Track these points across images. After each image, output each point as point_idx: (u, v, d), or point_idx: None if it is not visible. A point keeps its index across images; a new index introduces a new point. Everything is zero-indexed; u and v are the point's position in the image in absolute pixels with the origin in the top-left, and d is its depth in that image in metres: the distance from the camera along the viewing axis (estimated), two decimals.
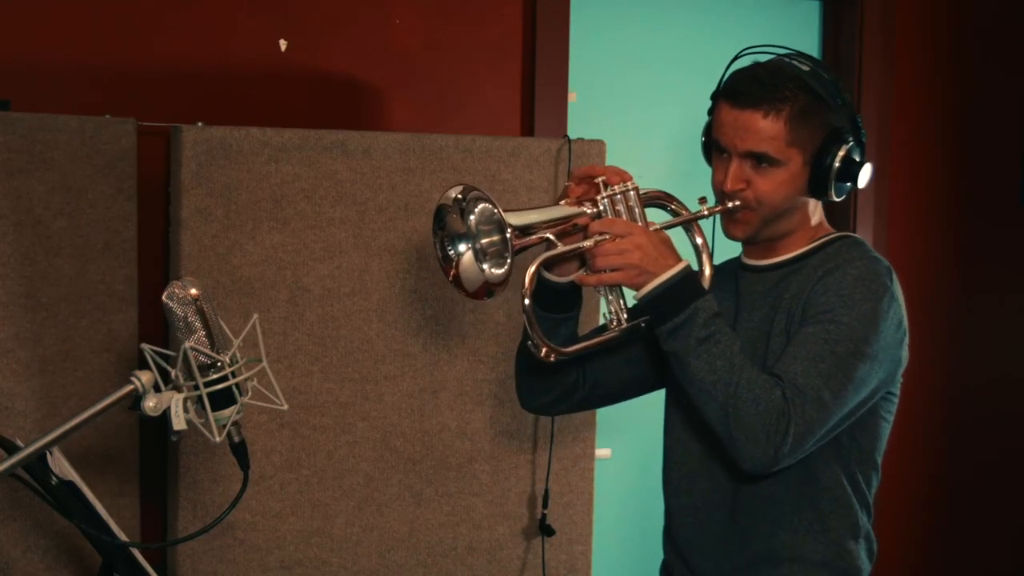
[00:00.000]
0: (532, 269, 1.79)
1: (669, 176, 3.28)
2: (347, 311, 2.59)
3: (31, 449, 1.58)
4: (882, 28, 3.40)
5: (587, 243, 1.81)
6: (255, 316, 1.71)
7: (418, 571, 2.68)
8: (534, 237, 1.79)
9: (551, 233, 1.81)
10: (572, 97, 3.13)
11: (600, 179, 1.86)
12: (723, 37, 3.39)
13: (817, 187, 1.89)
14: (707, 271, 1.95)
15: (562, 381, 2.06)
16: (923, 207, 3.50)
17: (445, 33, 2.96)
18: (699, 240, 1.97)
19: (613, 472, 3.27)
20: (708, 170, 3.49)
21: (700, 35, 3.37)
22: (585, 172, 1.89)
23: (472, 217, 1.78)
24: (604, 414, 2.76)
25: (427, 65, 2.94)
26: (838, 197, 1.91)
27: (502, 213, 1.73)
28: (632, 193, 1.86)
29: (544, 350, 1.86)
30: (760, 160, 1.87)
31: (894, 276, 1.88)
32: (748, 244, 1.99)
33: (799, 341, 1.81)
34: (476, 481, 2.72)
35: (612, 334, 1.90)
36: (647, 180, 3.38)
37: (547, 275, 1.92)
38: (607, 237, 1.81)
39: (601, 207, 1.85)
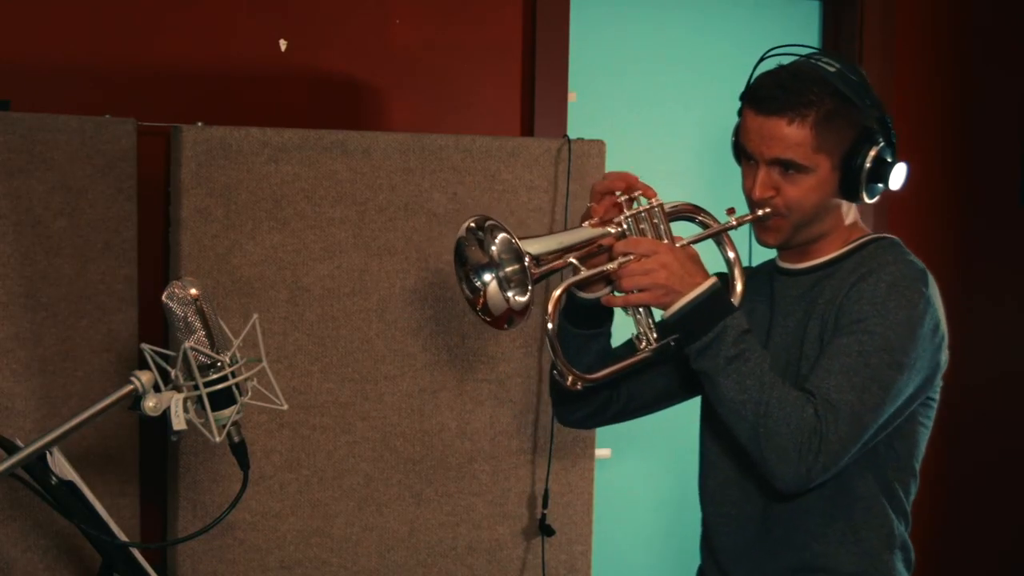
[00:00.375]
0: (556, 294, 1.76)
1: (669, 176, 3.29)
2: (347, 311, 2.59)
3: (31, 449, 1.58)
4: (882, 28, 3.40)
5: (611, 265, 1.79)
6: (255, 316, 1.71)
7: (418, 571, 2.68)
8: (557, 263, 1.77)
9: (574, 257, 1.79)
10: (572, 97, 3.13)
11: (623, 198, 1.83)
12: (723, 37, 3.39)
13: (848, 190, 1.85)
14: (739, 287, 1.92)
15: (595, 397, 2.03)
16: (923, 207, 3.50)
17: (445, 33, 2.96)
18: (731, 254, 1.93)
19: (613, 472, 3.27)
20: (709, 170, 3.51)
21: (700, 35, 3.37)
22: (604, 186, 1.86)
23: (493, 247, 1.76)
24: None
25: (427, 65, 2.94)
26: (870, 199, 1.86)
27: (518, 241, 1.72)
28: (657, 209, 1.83)
29: (570, 378, 1.84)
30: (787, 167, 1.82)
31: (930, 279, 1.84)
32: (782, 249, 1.96)
33: (832, 353, 1.78)
34: (476, 481, 2.72)
35: (641, 355, 1.87)
36: (648, 180, 3.38)
37: (578, 293, 1.90)
38: (631, 258, 1.78)
39: (625, 226, 1.82)
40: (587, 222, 1.85)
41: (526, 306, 1.74)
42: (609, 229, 1.83)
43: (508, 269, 1.77)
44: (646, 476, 3.41)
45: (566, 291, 1.81)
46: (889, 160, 1.85)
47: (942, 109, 3.51)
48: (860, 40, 3.38)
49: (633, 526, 3.39)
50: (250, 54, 2.79)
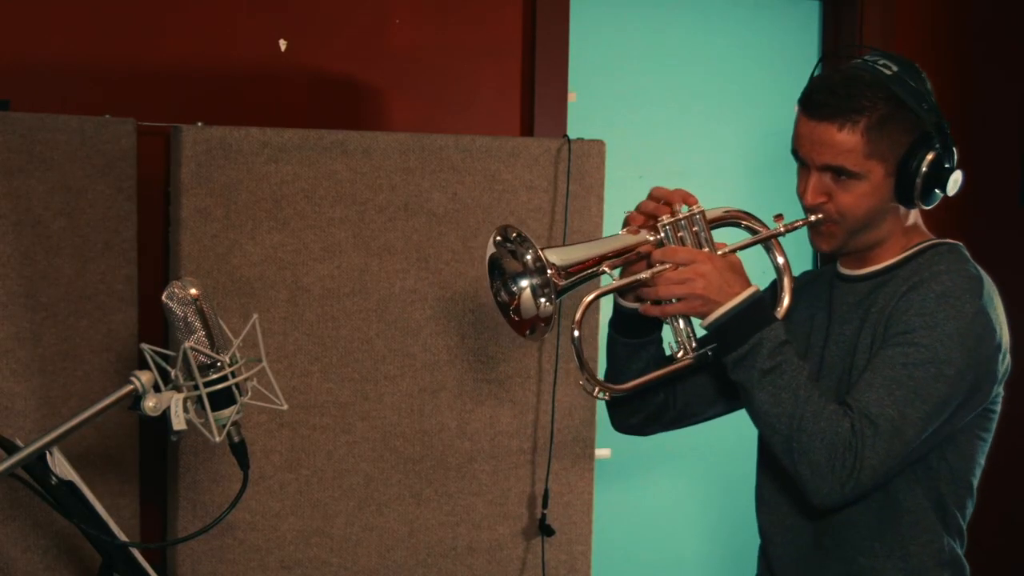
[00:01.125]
0: (586, 301, 1.75)
1: (669, 176, 3.28)
2: (347, 311, 2.59)
3: (31, 449, 1.58)
4: (882, 28, 3.40)
5: (644, 274, 1.78)
6: (255, 316, 1.71)
7: (418, 571, 2.68)
8: (588, 271, 1.75)
9: (610, 265, 1.77)
10: (572, 97, 3.13)
11: (662, 201, 1.81)
12: (723, 37, 3.39)
13: (904, 195, 1.81)
14: (786, 300, 1.89)
15: (650, 403, 2.01)
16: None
17: (445, 33, 2.96)
18: (780, 261, 1.90)
19: (613, 472, 3.27)
20: (709, 170, 3.50)
21: (700, 35, 3.37)
22: (651, 210, 1.83)
23: (527, 256, 1.74)
24: (604, 415, 2.76)
25: (427, 65, 2.94)
26: (927, 205, 1.83)
27: (542, 252, 1.71)
28: (698, 217, 1.81)
29: (596, 389, 1.83)
30: (839, 173, 1.79)
31: (984, 288, 1.80)
32: (839, 255, 1.92)
33: (876, 365, 1.74)
34: (476, 481, 2.72)
35: (676, 365, 1.85)
36: (648, 179, 3.39)
37: (622, 302, 1.89)
38: (668, 267, 1.77)
39: (663, 234, 1.81)
40: (625, 229, 1.83)
41: (551, 315, 1.73)
42: (647, 237, 1.81)
43: (539, 278, 1.75)
44: (646, 476, 3.41)
45: (597, 299, 1.78)
46: (947, 166, 1.81)
47: (942, 109, 3.50)
48: (860, 40, 3.37)
49: (633, 526, 3.39)
50: (250, 54, 2.79)
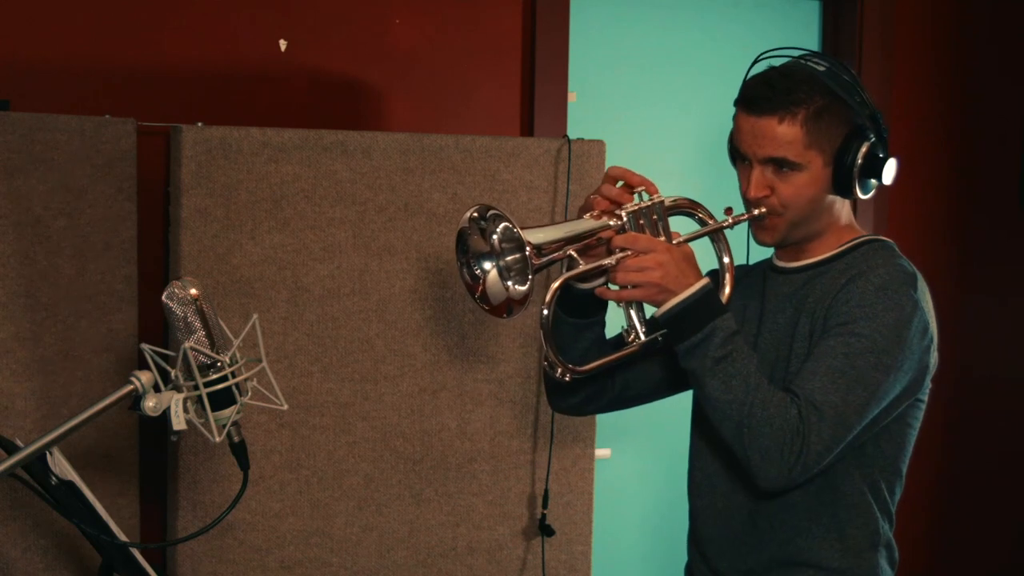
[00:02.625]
0: (554, 286, 1.79)
1: (668, 176, 3.29)
2: (347, 311, 2.59)
3: (31, 449, 1.58)
4: (882, 28, 3.40)
5: (608, 260, 1.81)
6: (255, 316, 1.71)
7: (418, 571, 2.68)
8: (557, 254, 1.79)
9: (574, 249, 1.81)
10: (572, 97, 3.13)
11: (630, 190, 1.86)
12: (723, 37, 3.39)
13: (841, 186, 1.87)
14: (727, 289, 1.95)
15: (590, 385, 2.05)
16: (923, 208, 3.50)
17: (445, 33, 2.96)
18: (724, 256, 1.97)
19: (613, 472, 3.28)
20: (708, 170, 3.50)
21: (700, 35, 3.37)
22: (614, 196, 1.87)
23: (495, 236, 1.78)
24: (604, 414, 2.76)
25: (427, 65, 2.94)
26: (864, 195, 1.89)
27: (520, 231, 1.73)
28: (658, 206, 1.86)
29: (559, 369, 1.87)
30: (780, 165, 1.86)
31: (919, 282, 1.86)
32: (779, 248, 1.99)
33: (819, 354, 1.80)
34: (476, 481, 2.72)
35: (630, 349, 1.90)
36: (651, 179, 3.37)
37: (573, 282, 1.92)
38: (629, 253, 1.81)
39: (625, 219, 1.85)
40: (588, 214, 1.87)
41: (526, 295, 1.76)
42: (609, 222, 1.85)
43: (509, 258, 1.79)
44: (646, 476, 3.41)
45: (565, 282, 1.83)
46: (881, 155, 1.88)
47: (942, 109, 3.51)
48: (860, 40, 3.38)
49: (633, 526, 3.39)
50: (250, 54, 2.79)
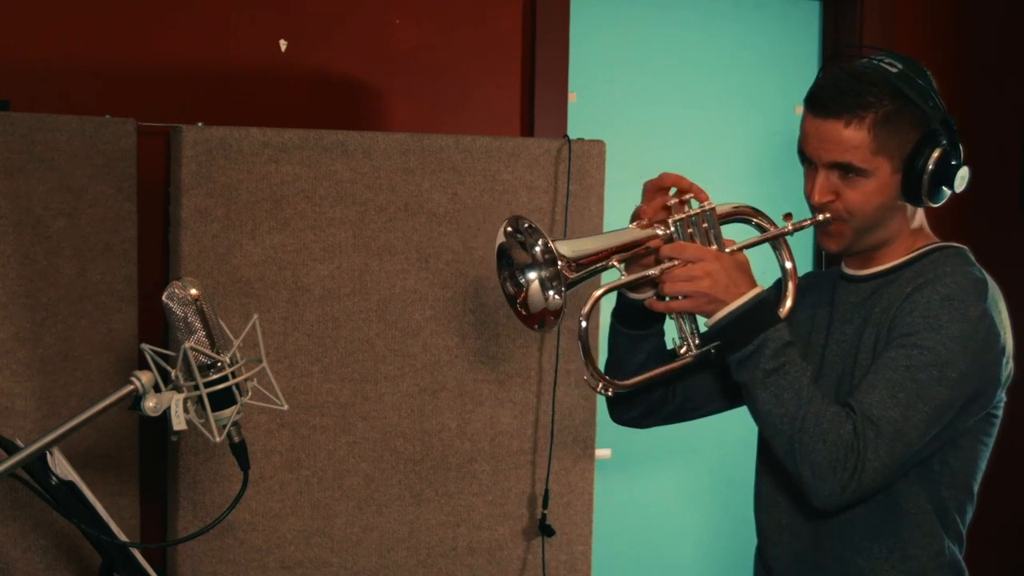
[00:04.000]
0: (595, 295, 1.75)
1: None
2: (347, 311, 2.59)
3: (31, 449, 1.58)
4: (882, 28, 3.40)
5: (653, 270, 1.77)
6: (255, 316, 1.70)
7: (418, 571, 2.68)
8: (598, 265, 1.75)
9: (618, 259, 1.77)
10: (572, 97, 3.13)
11: (673, 201, 1.81)
12: (723, 37, 3.39)
13: (911, 193, 1.80)
14: (788, 301, 1.89)
15: (649, 397, 2.01)
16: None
17: (445, 33, 2.96)
18: (787, 263, 1.90)
19: (613, 472, 3.27)
20: (709, 170, 3.49)
21: (700, 35, 3.37)
22: (657, 184, 1.84)
23: (536, 248, 1.74)
24: (604, 414, 2.76)
25: (427, 65, 2.94)
26: (935, 203, 1.82)
27: (553, 243, 1.70)
28: (708, 213, 1.81)
29: (600, 384, 1.83)
30: (846, 171, 1.78)
31: (989, 291, 1.79)
32: (846, 255, 1.92)
33: (879, 367, 1.74)
34: (476, 481, 2.72)
35: (681, 361, 1.85)
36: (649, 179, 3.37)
37: (628, 294, 1.89)
38: (676, 263, 1.76)
39: (673, 229, 1.81)
40: (635, 223, 1.83)
41: (560, 308, 1.73)
42: (657, 231, 1.81)
43: (549, 270, 1.75)
44: (646, 476, 3.41)
45: (606, 294, 1.78)
46: (954, 163, 1.80)
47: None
48: (860, 40, 3.37)
49: (633, 526, 3.39)
50: (250, 54, 2.79)
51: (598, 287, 1.78)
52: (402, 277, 2.62)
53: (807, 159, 1.84)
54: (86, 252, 2.46)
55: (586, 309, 1.74)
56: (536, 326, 1.78)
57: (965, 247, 1.89)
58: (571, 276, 1.71)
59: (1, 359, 2.33)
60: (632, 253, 1.80)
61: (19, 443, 1.63)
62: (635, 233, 1.81)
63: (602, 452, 3.08)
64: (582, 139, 2.75)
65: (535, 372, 2.75)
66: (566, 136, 2.77)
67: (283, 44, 2.81)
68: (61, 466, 1.63)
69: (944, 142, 1.79)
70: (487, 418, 2.72)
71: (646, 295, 1.87)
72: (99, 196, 2.48)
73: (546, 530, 2.76)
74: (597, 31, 3.23)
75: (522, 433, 2.76)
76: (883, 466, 1.69)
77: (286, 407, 1.69)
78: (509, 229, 1.76)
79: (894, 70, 1.78)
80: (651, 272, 1.78)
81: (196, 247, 2.47)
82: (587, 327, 1.76)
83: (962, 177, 1.82)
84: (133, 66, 2.69)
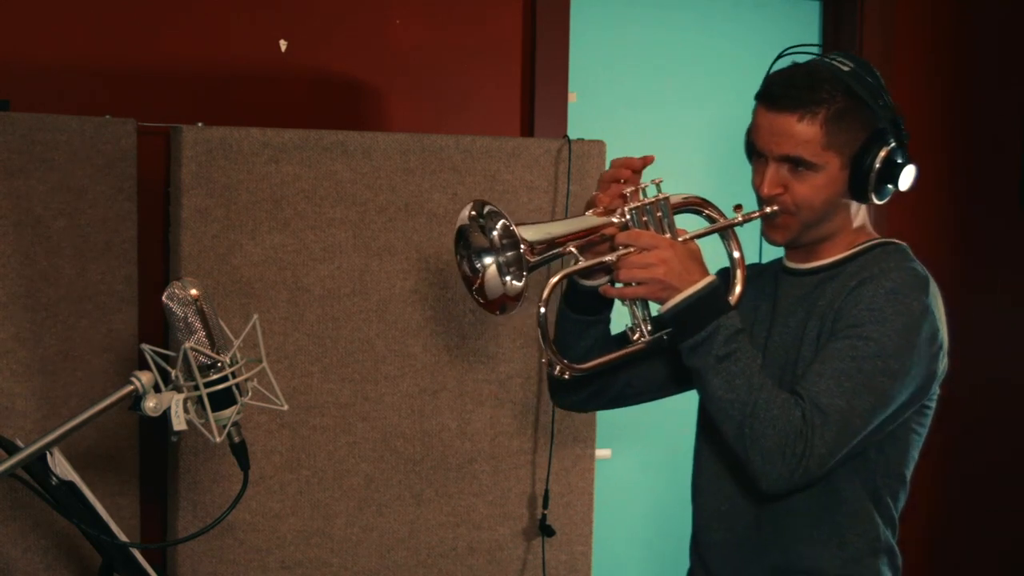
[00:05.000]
0: (552, 282, 1.77)
1: (669, 176, 3.28)
2: (347, 311, 2.59)
3: (31, 449, 1.58)
4: (882, 28, 3.40)
5: (610, 256, 1.80)
6: (255, 316, 1.71)
7: (418, 571, 2.68)
8: (556, 250, 1.77)
9: (575, 246, 1.79)
10: (572, 97, 3.13)
11: (629, 189, 1.84)
12: (723, 37, 3.39)
13: (857, 190, 1.85)
14: (738, 288, 1.92)
15: (593, 381, 2.04)
16: (923, 207, 3.50)
17: (445, 33, 2.96)
18: (736, 253, 1.94)
19: (613, 472, 3.27)
20: (710, 170, 3.50)
21: (700, 35, 3.37)
22: (612, 175, 1.87)
23: (495, 232, 1.77)
24: (604, 414, 2.76)
25: (427, 65, 2.94)
26: (879, 200, 1.87)
27: (516, 228, 1.72)
28: (663, 202, 1.84)
29: (558, 367, 1.85)
30: (796, 164, 1.83)
31: (931, 287, 1.84)
32: (790, 248, 1.96)
33: (826, 356, 1.78)
34: (476, 482, 2.72)
35: (634, 347, 1.89)
36: (648, 180, 3.38)
37: (578, 279, 1.91)
38: (632, 250, 1.79)
39: (628, 217, 1.83)
40: (591, 211, 1.86)
41: (520, 292, 1.75)
42: (612, 219, 1.84)
43: (508, 254, 1.78)
44: (646, 476, 3.40)
45: (564, 279, 1.81)
46: (899, 161, 1.85)
47: (942, 109, 3.51)
48: (860, 40, 3.38)
49: (633, 526, 3.39)
50: (250, 54, 2.78)
51: (555, 273, 1.80)
52: (402, 277, 2.62)
53: (757, 152, 1.88)
54: (86, 252, 2.46)
55: (545, 294, 1.77)
56: (497, 311, 1.80)
57: (905, 244, 1.94)
58: (532, 260, 1.74)
59: (1, 359, 2.33)
60: (588, 240, 1.82)
61: (19, 443, 1.63)
62: (592, 220, 1.84)
63: (602, 452, 3.08)
64: (582, 139, 2.75)
65: (535, 372, 2.75)
66: (566, 136, 2.77)
67: (283, 44, 2.81)
68: (61, 466, 1.63)
69: (892, 141, 1.84)
70: (487, 418, 2.72)
71: (599, 281, 1.89)
72: (99, 196, 2.48)
73: (546, 530, 2.76)
74: (597, 31, 3.23)
75: (522, 433, 2.76)
76: (829, 452, 1.74)
77: (286, 407, 1.69)
78: (472, 212, 1.79)
79: (846, 68, 1.83)
80: (607, 258, 1.80)
81: (196, 247, 2.47)
82: (546, 312, 1.78)
83: (907, 175, 1.87)
84: (133, 66, 2.69)
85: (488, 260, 1.80)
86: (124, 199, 2.52)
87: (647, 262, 1.77)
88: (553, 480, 2.77)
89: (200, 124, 2.49)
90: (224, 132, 2.48)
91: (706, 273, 1.81)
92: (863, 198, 1.87)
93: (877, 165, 1.83)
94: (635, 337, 1.89)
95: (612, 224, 1.84)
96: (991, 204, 3.55)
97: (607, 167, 2.75)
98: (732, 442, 1.78)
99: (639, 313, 1.88)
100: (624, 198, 1.84)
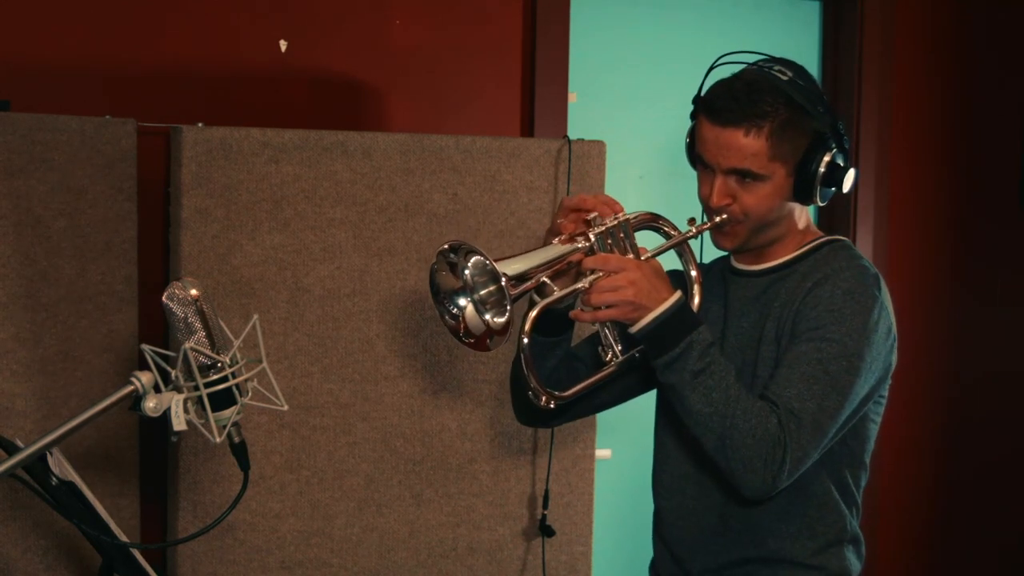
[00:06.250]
0: (532, 315, 1.82)
1: (669, 177, 3.29)
2: (347, 312, 2.59)
3: (31, 449, 1.58)
4: (882, 28, 3.40)
5: (582, 283, 1.82)
6: (255, 317, 1.70)
7: (418, 572, 2.68)
8: (530, 282, 1.80)
9: (546, 276, 1.82)
10: (572, 97, 3.13)
11: (592, 215, 1.86)
12: (723, 37, 3.38)
13: (803, 194, 1.90)
14: (696, 299, 1.97)
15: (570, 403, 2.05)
16: (923, 208, 3.50)
17: (445, 33, 2.96)
18: (692, 268, 1.98)
19: (613, 472, 3.27)
20: None
21: (700, 35, 3.37)
22: (574, 204, 1.89)
23: (467, 271, 1.78)
24: (604, 414, 2.75)
25: (427, 65, 2.94)
26: (822, 202, 1.93)
27: (494, 263, 1.73)
28: (624, 224, 1.87)
29: (544, 398, 1.88)
30: (744, 176, 1.87)
31: (882, 283, 1.90)
32: (737, 252, 2.01)
33: (791, 361, 1.83)
34: (476, 482, 2.72)
35: (609, 369, 1.92)
36: (648, 180, 3.39)
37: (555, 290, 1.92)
38: (600, 275, 1.81)
39: (593, 240, 1.85)
40: (556, 239, 1.88)
41: (506, 325, 1.76)
42: (578, 245, 1.86)
43: (483, 292, 1.79)
44: (646, 476, 3.40)
45: (542, 311, 1.83)
46: (842, 164, 1.90)
47: (942, 109, 3.51)
48: (860, 40, 3.38)
49: (633, 526, 3.39)
50: (250, 54, 2.79)
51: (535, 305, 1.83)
52: (402, 278, 2.62)
53: (704, 163, 1.91)
54: (86, 252, 2.46)
55: (527, 327, 1.82)
56: (486, 348, 1.81)
57: (848, 239, 2.01)
58: (514, 293, 1.75)
59: (1, 359, 2.33)
60: (555, 269, 1.84)
61: (19, 443, 1.63)
62: (560, 248, 1.86)
63: (602, 452, 3.08)
64: (582, 139, 2.75)
65: None
66: (566, 136, 2.77)
67: (283, 44, 2.81)
68: (61, 466, 1.63)
69: (833, 146, 1.89)
70: (487, 418, 2.72)
71: (565, 304, 1.91)
72: (99, 196, 2.48)
73: (546, 530, 2.76)
74: (597, 31, 3.23)
75: (522, 433, 2.76)
76: (805, 455, 1.80)
77: (286, 407, 1.69)
78: (444, 249, 1.78)
79: (784, 78, 1.88)
80: (580, 285, 1.82)
81: (196, 247, 2.47)
82: (528, 343, 1.82)
83: (849, 178, 1.93)
84: (133, 66, 2.69)
85: (463, 301, 1.80)
86: (124, 199, 2.52)
87: (616, 284, 1.79)
88: (553, 480, 2.77)
89: (200, 124, 2.49)
90: (224, 132, 2.48)
91: (672, 290, 1.84)
92: (808, 201, 1.92)
93: (821, 170, 1.88)
94: (607, 358, 1.92)
95: (579, 250, 1.86)
96: (991, 204, 3.55)
97: (607, 168, 2.77)
98: (713, 453, 1.81)
99: (609, 334, 1.92)
100: (588, 223, 1.86)
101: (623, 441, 3.28)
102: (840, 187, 1.92)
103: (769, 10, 3.44)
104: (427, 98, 2.95)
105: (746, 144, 1.85)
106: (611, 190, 2.79)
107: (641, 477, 3.40)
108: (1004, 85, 3.53)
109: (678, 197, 3.15)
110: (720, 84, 1.90)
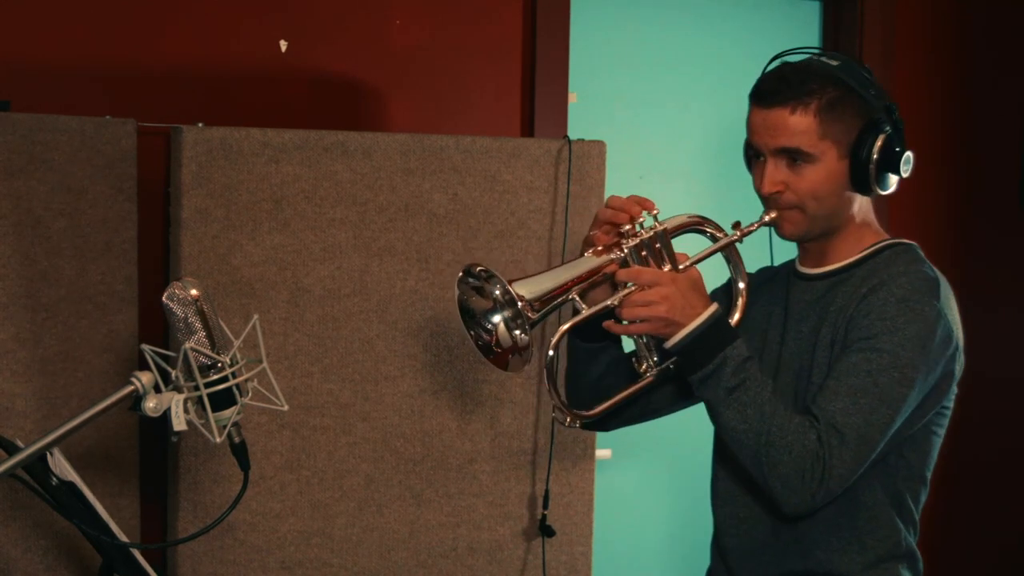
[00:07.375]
0: (559, 333, 1.78)
1: (669, 177, 3.29)
2: (347, 312, 2.59)
3: (31, 450, 1.58)
4: (882, 28, 3.40)
5: (612, 300, 1.79)
6: (255, 317, 1.70)
7: (418, 572, 2.68)
8: (558, 300, 1.77)
9: (577, 292, 1.79)
10: (572, 97, 3.13)
11: (625, 228, 1.82)
12: (723, 37, 3.39)
13: (859, 180, 1.83)
14: (737, 315, 1.93)
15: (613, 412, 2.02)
16: (923, 208, 3.50)
17: (445, 33, 2.96)
18: (738, 275, 1.95)
19: (613, 472, 3.27)
20: (710, 170, 3.49)
21: (700, 35, 3.37)
22: (607, 217, 1.85)
23: (496, 291, 1.75)
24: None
25: (427, 65, 2.94)
26: (884, 190, 1.85)
27: (510, 286, 1.72)
28: (660, 233, 1.83)
29: (568, 418, 1.85)
30: (794, 157, 1.82)
31: (942, 289, 1.82)
32: (803, 243, 1.94)
33: (840, 372, 1.77)
34: (476, 482, 2.72)
35: (643, 381, 1.89)
36: (648, 180, 3.38)
37: (584, 308, 1.90)
38: (633, 288, 1.78)
39: (626, 251, 1.82)
40: (590, 250, 1.85)
41: (526, 346, 1.74)
42: (611, 256, 1.83)
43: (507, 312, 1.76)
44: (646, 477, 3.40)
45: (572, 328, 1.80)
46: (897, 148, 1.83)
47: (942, 109, 3.51)
48: (860, 40, 3.37)
49: (633, 526, 3.39)
50: (250, 54, 2.79)
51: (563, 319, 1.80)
52: (402, 277, 2.62)
53: (755, 152, 1.87)
54: (86, 252, 2.46)
55: (555, 340, 1.77)
56: (504, 367, 1.79)
57: (914, 243, 1.92)
58: (533, 316, 1.73)
59: (1, 359, 2.33)
60: (589, 282, 1.82)
61: (19, 443, 1.63)
62: (591, 262, 1.83)
63: (602, 452, 3.08)
64: (582, 139, 2.75)
65: (535, 373, 2.75)
66: (566, 136, 2.77)
67: (283, 44, 2.81)
68: (61, 466, 1.63)
69: (888, 128, 1.83)
70: (487, 418, 2.72)
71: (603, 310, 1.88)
72: (99, 196, 2.48)
73: (546, 530, 2.76)
74: (597, 31, 3.23)
75: (522, 433, 2.76)
76: (848, 471, 1.74)
77: (286, 408, 1.69)
78: (463, 275, 1.77)
79: (835, 63, 1.84)
80: (611, 302, 1.79)
81: (196, 247, 2.47)
82: (555, 358, 1.79)
83: (906, 161, 1.85)
84: (133, 66, 2.69)
85: (496, 319, 1.77)
86: (124, 199, 2.52)
87: (649, 299, 1.76)
88: (553, 480, 2.77)
89: (200, 124, 2.49)
90: (224, 132, 2.48)
91: (708, 303, 1.80)
92: (865, 189, 1.85)
93: (875, 154, 1.82)
94: (642, 369, 1.89)
95: (612, 262, 1.83)
96: (991, 204, 3.55)
97: (607, 168, 2.77)
98: (751, 469, 1.77)
99: (643, 345, 1.89)
100: (622, 235, 1.83)
101: (623, 441, 3.28)
102: (898, 171, 1.84)
103: (769, 10, 3.44)
104: (427, 98, 2.95)
105: (794, 122, 1.80)
106: (611, 190, 2.78)
107: (641, 477, 3.41)
108: (1004, 85, 3.53)
109: (678, 197, 3.15)
110: (770, 71, 1.88)
